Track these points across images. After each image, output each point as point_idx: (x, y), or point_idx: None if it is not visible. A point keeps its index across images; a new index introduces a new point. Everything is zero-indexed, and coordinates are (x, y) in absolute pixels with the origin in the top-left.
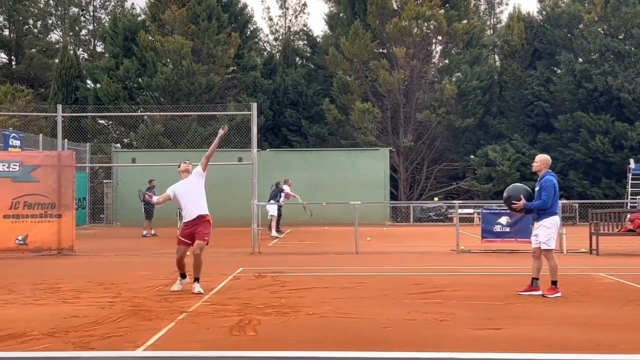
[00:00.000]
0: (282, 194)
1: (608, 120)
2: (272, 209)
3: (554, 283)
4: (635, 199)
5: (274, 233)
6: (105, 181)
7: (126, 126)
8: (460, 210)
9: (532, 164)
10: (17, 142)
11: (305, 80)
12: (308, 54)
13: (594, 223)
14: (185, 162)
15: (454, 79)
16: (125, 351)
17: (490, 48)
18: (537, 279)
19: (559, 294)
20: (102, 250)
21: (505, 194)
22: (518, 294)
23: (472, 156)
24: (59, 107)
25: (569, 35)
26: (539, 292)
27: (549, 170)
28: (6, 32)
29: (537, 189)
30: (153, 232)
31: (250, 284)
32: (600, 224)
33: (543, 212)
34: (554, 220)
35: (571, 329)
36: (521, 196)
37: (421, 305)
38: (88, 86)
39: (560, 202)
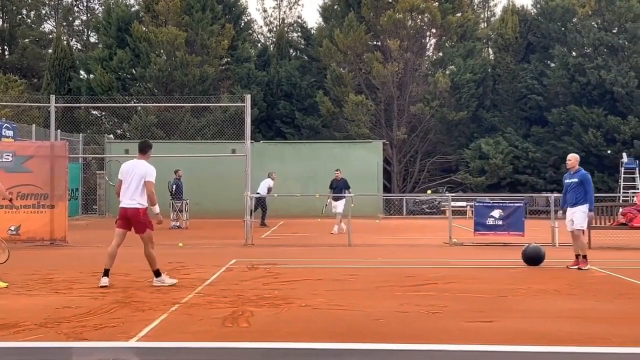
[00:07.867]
0: (266, 188)
1: (601, 114)
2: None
3: (585, 257)
4: (628, 192)
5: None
6: (98, 172)
7: (119, 117)
8: (453, 203)
9: (567, 162)
10: (10, 133)
11: (299, 72)
12: (302, 46)
13: None
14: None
15: (447, 72)
16: (118, 342)
17: (484, 41)
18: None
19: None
20: (95, 241)
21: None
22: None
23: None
24: (52, 97)
25: (563, 29)
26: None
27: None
28: None
29: (574, 180)
30: (179, 223)
31: (243, 276)
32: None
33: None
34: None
35: (563, 322)
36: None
37: (413, 297)
38: (81, 77)
39: (553, 195)
